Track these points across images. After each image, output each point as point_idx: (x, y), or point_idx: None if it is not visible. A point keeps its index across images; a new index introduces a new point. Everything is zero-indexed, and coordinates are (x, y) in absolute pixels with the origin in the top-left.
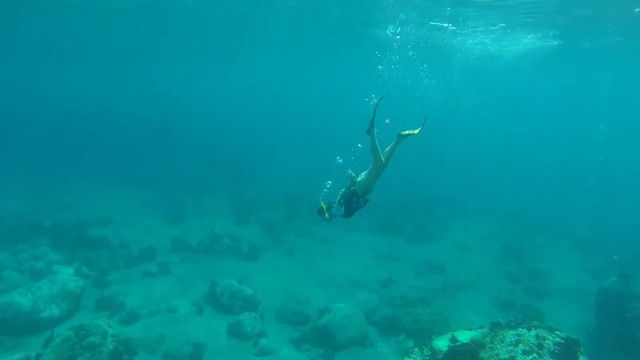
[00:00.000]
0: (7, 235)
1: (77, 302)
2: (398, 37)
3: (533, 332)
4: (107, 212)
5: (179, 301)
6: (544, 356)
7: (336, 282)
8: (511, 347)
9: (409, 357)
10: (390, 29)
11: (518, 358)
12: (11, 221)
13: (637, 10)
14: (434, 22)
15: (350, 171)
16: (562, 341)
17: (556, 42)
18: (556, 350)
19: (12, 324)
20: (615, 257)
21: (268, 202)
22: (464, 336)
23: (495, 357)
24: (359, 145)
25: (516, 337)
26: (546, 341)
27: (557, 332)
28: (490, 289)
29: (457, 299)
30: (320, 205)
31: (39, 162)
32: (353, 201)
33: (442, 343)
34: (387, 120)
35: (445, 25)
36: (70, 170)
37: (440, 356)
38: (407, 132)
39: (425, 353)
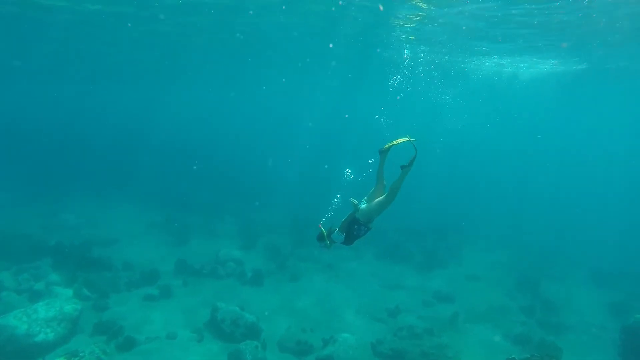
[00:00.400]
0: (12, 254)
1: (73, 325)
2: (407, 60)
3: None
4: (113, 231)
5: (179, 327)
6: None
7: (342, 310)
8: None
9: None
10: (406, 52)
11: None
12: (17, 241)
13: None
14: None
15: (353, 199)
16: None
17: (581, 66)
18: None
19: (4, 348)
20: None
21: (275, 226)
22: None
23: None
24: (370, 160)
25: None
26: None
27: None
28: (502, 322)
29: (468, 332)
30: (320, 231)
31: (48, 180)
32: (354, 228)
33: None
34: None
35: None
36: (78, 189)
37: None
38: (387, 145)
39: None
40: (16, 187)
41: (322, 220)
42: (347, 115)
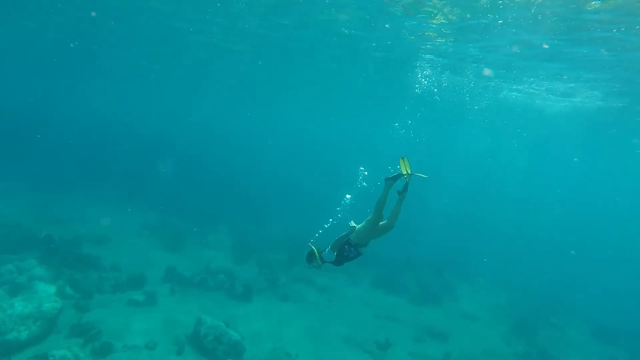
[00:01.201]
0: None
1: (50, 325)
2: (425, 80)
3: None
4: (105, 230)
5: (159, 337)
6: None
7: (329, 337)
8: None
9: None
10: (425, 72)
11: None
12: (4, 229)
13: None
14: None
15: (353, 222)
16: None
17: (621, 104)
18: None
19: None
20: None
21: (270, 243)
22: None
23: None
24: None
25: None
26: None
27: None
28: None
29: None
30: (310, 250)
31: (46, 172)
32: (345, 249)
33: None
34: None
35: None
36: (75, 184)
37: None
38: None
39: None
40: (14, 177)
41: (312, 240)
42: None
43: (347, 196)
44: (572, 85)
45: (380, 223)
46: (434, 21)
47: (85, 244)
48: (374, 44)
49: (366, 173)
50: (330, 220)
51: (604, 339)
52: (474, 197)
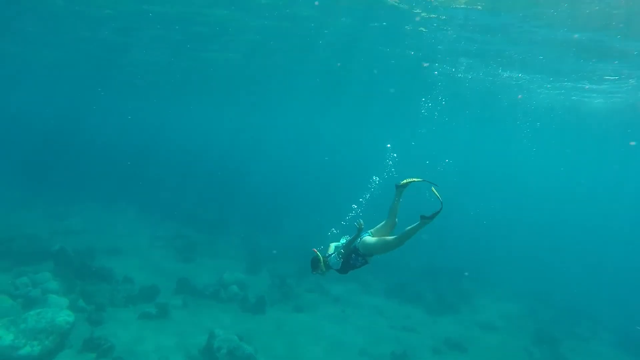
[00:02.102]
0: (14, 255)
1: (62, 340)
2: (436, 72)
3: None
4: (117, 241)
5: (172, 351)
6: None
7: (344, 350)
8: None
9: None
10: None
11: None
12: (21, 241)
13: None
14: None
15: (360, 221)
16: None
17: None
18: None
19: None
20: None
21: (283, 253)
22: None
23: None
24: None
25: None
26: None
27: None
28: None
29: None
30: (315, 255)
31: (60, 183)
32: (352, 257)
33: None
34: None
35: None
36: (88, 195)
37: None
38: (405, 181)
39: None
40: (29, 188)
41: (321, 247)
42: (388, 145)
43: (354, 206)
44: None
45: (389, 237)
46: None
47: (98, 256)
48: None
49: (378, 181)
50: (342, 223)
51: (630, 349)
52: (491, 202)
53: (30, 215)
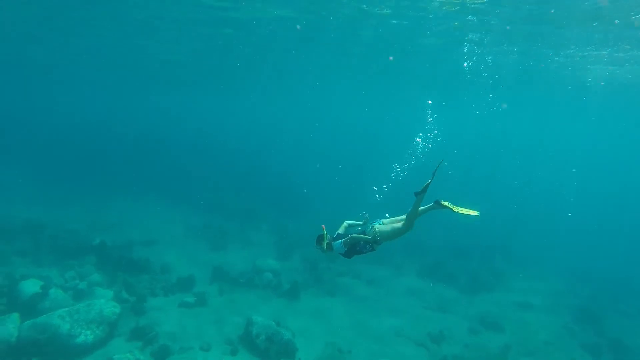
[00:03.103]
0: (60, 250)
1: (111, 329)
2: (465, 65)
3: None
4: (152, 233)
5: (213, 338)
6: None
7: (381, 332)
8: None
9: None
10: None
11: None
12: (65, 236)
13: None
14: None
15: (366, 214)
16: None
17: None
18: None
19: (47, 346)
20: None
21: (312, 237)
22: None
23: None
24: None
25: None
26: None
27: None
28: None
29: None
30: (322, 233)
31: (97, 177)
32: (360, 244)
33: None
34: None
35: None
36: (121, 189)
37: None
38: (447, 203)
39: None
40: (67, 184)
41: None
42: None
43: (375, 188)
44: None
45: (400, 224)
46: None
47: (136, 248)
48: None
49: (399, 169)
50: (365, 214)
51: None
52: (523, 177)
53: (70, 211)
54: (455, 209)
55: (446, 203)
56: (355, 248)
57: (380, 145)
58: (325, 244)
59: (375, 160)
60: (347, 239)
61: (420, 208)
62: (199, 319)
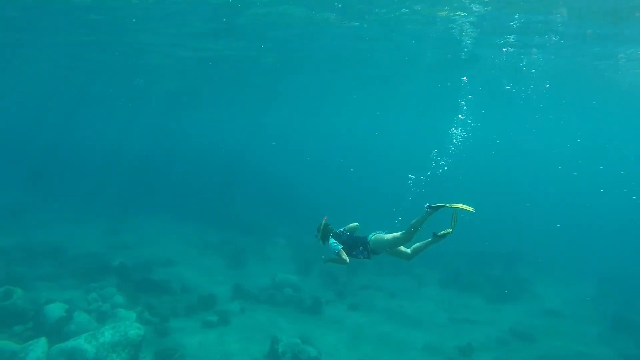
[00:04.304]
0: (81, 272)
1: (136, 351)
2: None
3: None
4: (170, 252)
5: (237, 358)
6: None
7: (408, 346)
8: None
9: None
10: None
11: None
12: (85, 258)
13: None
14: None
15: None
16: None
17: None
18: None
19: None
20: None
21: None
22: None
23: None
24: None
25: None
26: None
27: None
28: None
29: None
30: (322, 223)
31: (111, 197)
32: (358, 250)
33: None
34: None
35: None
36: (136, 208)
37: None
38: (443, 232)
39: None
40: (83, 206)
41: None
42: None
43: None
44: None
45: (402, 248)
46: None
47: (155, 267)
48: None
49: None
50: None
51: None
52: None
53: (86, 231)
54: (451, 205)
55: (445, 232)
56: (351, 252)
57: (399, 155)
58: (321, 235)
59: (395, 172)
60: (347, 240)
61: (418, 220)
62: (223, 339)
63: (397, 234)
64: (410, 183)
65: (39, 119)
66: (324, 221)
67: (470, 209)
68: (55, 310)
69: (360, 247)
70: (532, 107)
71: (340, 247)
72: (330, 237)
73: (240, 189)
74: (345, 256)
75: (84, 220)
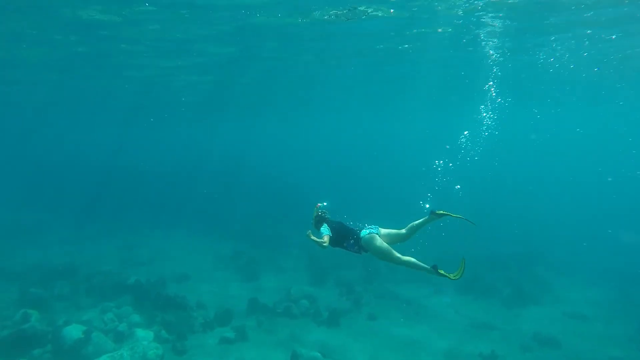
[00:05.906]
0: (97, 291)
1: None
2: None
3: None
4: (184, 266)
5: None
6: None
7: (429, 354)
8: None
9: None
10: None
11: None
12: (100, 277)
13: None
14: None
15: (322, 209)
16: None
17: None
18: None
19: None
20: None
21: (344, 259)
22: None
23: None
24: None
25: None
26: None
27: None
28: None
29: None
30: (315, 210)
31: (123, 213)
32: (350, 243)
33: None
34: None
35: None
36: (149, 224)
37: None
38: (442, 211)
39: None
40: (95, 221)
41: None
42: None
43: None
44: None
45: (396, 255)
46: None
47: (169, 284)
48: None
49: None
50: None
51: None
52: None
53: (99, 249)
54: (455, 216)
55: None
56: (343, 243)
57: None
58: (315, 222)
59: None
60: (340, 226)
61: (418, 222)
62: (241, 354)
63: (393, 236)
64: (439, 169)
65: (54, 135)
66: (316, 208)
67: (473, 223)
68: (73, 332)
69: (352, 240)
70: (554, 104)
71: (328, 233)
72: (324, 224)
73: (251, 200)
74: (326, 242)
75: (95, 237)
